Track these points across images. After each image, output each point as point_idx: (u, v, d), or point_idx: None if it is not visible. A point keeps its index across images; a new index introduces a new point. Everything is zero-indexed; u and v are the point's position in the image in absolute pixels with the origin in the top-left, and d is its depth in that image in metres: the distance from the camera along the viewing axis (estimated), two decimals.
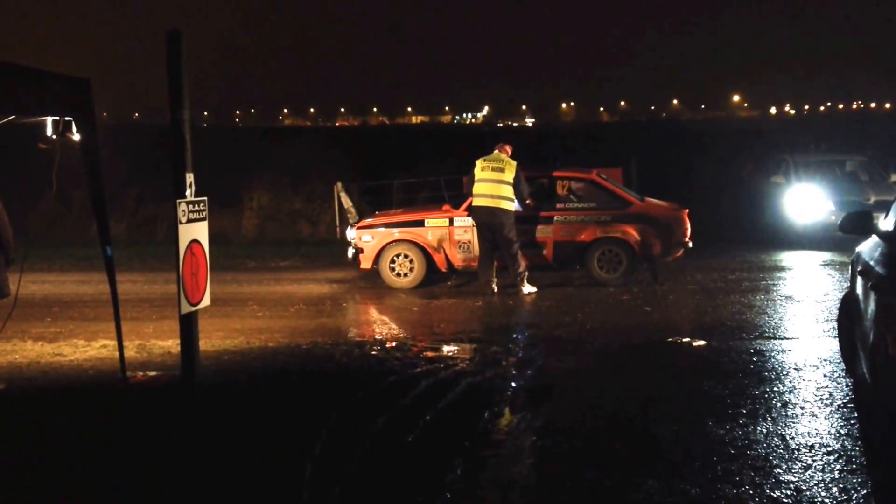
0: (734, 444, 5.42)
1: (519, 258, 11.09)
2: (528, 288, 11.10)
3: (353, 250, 11.92)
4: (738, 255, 14.25)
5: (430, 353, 7.95)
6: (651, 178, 18.08)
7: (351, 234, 12.10)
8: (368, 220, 12.18)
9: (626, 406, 6.27)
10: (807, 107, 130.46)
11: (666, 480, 4.83)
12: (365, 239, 11.81)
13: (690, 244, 11.83)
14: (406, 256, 11.76)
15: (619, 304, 10.49)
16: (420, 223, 11.83)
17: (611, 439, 5.57)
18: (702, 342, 8.27)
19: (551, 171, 12.06)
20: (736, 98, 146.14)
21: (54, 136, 6.08)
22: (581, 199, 11.76)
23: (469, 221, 11.58)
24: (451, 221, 11.77)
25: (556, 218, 11.66)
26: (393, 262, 11.76)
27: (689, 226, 11.78)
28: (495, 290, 11.15)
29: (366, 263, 11.83)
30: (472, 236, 11.64)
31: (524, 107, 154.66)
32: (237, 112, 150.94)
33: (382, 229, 11.86)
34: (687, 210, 11.94)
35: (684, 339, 8.41)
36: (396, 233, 11.80)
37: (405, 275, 11.75)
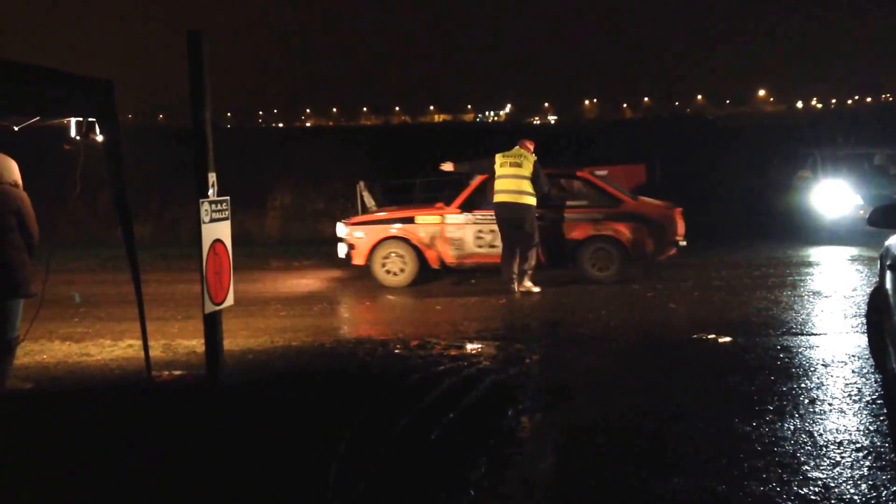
0: (761, 440, 5.37)
1: (532, 256, 11.03)
2: (529, 286, 11.00)
3: (346, 247, 11.92)
4: (764, 251, 14.14)
5: (453, 352, 7.93)
6: (676, 175, 18.00)
7: (343, 231, 12.09)
8: (361, 217, 12.20)
9: (651, 403, 6.23)
10: (834, 100, 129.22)
11: (692, 478, 4.79)
12: (357, 235, 11.82)
13: (683, 243, 11.76)
14: (398, 254, 11.76)
15: (644, 300, 10.44)
16: (411, 220, 11.83)
17: (636, 436, 5.53)
18: (727, 338, 8.20)
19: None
20: (761, 93, 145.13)
21: (78, 138, 6.13)
22: (574, 197, 11.71)
23: (461, 218, 11.64)
24: (443, 218, 11.76)
25: (547, 216, 11.61)
26: (385, 259, 11.75)
27: (681, 224, 11.71)
28: (517, 287, 11.12)
29: (358, 260, 11.85)
30: (463, 233, 11.68)
31: (546, 104, 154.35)
32: (260, 113, 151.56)
33: (374, 226, 11.86)
34: (680, 209, 11.88)
35: (709, 336, 8.34)
36: (388, 230, 11.80)
37: (397, 273, 11.75)
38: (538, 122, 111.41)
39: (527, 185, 10.96)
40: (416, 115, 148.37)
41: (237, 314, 9.23)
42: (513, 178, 10.99)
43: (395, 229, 11.82)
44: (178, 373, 7.25)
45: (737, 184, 20.27)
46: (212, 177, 6.42)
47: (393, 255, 11.77)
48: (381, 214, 12.26)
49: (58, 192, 8.80)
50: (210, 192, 6.41)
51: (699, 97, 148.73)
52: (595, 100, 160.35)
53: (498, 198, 11.09)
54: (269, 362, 7.68)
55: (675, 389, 6.58)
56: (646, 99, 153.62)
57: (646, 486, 4.72)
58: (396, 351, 7.99)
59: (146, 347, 6.55)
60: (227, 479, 4.94)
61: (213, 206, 6.46)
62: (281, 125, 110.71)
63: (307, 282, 12.60)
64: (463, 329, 9.10)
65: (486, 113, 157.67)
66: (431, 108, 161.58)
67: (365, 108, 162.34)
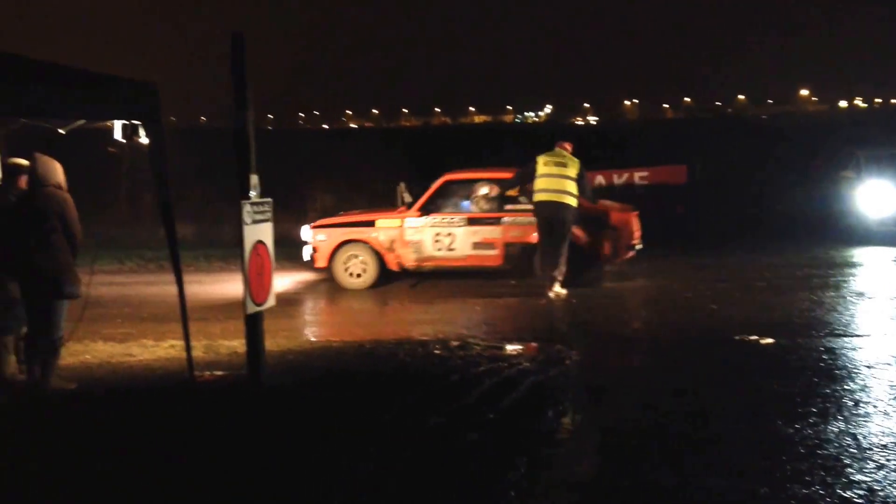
0: (804, 443, 5.31)
1: (563, 261, 10.95)
2: (558, 289, 10.95)
3: (310, 250, 12.02)
4: (806, 251, 13.97)
5: (492, 352, 7.92)
6: (717, 176, 17.87)
7: (307, 234, 12.21)
8: (324, 220, 12.33)
9: (692, 404, 6.19)
10: (878, 100, 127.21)
11: (733, 480, 4.76)
12: (319, 238, 12.01)
13: (639, 246, 11.72)
14: (359, 257, 11.87)
15: (684, 301, 10.36)
16: (371, 223, 11.92)
17: (676, 438, 5.50)
18: (770, 340, 8.12)
19: (501, 172, 12.10)
20: (804, 92, 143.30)
21: (123, 140, 6.21)
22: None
23: (420, 221, 11.80)
24: (403, 222, 11.84)
25: (504, 219, 11.72)
26: (347, 262, 11.89)
27: (637, 228, 11.70)
28: (546, 291, 11.04)
29: (320, 262, 12.04)
30: (422, 237, 11.83)
31: (587, 105, 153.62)
32: (301, 115, 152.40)
33: (335, 229, 11.98)
34: (636, 212, 11.88)
35: (751, 337, 8.26)
36: (348, 233, 11.93)
37: (358, 275, 11.88)
38: (581, 122, 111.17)
39: (570, 186, 10.93)
40: (457, 117, 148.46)
41: (277, 314, 9.28)
42: (556, 178, 10.96)
43: (356, 232, 11.95)
44: (220, 373, 7.32)
45: (779, 184, 20.06)
46: (254, 178, 6.47)
47: (354, 257, 11.90)
48: (344, 218, 12.41)
49: (101, 194, 8.93)
50: (252, 193, 6.47)
51: (741, 97, 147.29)
52: (636, 100, 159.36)
53: (539, 197, 11.06)
54: (310, 363, 7.73)
55: (716, 390, 6.53)
56: (686, 99, 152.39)
57: (686, 488, 4.70)
58: (436, 351, 8.00)
59: (188, 348, 6.62)
60: (266, 477, 4.98)
61: (255, 207, 6.52)
62: (326, 126, 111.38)
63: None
64: (502, 330, 9.10)
65: (526, 114, 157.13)
66: (472, 108, 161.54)
67: (406, 110, 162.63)
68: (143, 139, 6.29)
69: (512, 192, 11.74)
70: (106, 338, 8.88)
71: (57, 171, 6.64)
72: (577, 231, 11.37)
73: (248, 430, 5.75)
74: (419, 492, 4.77)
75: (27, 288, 6.60)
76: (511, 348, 8.15)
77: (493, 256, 11.75)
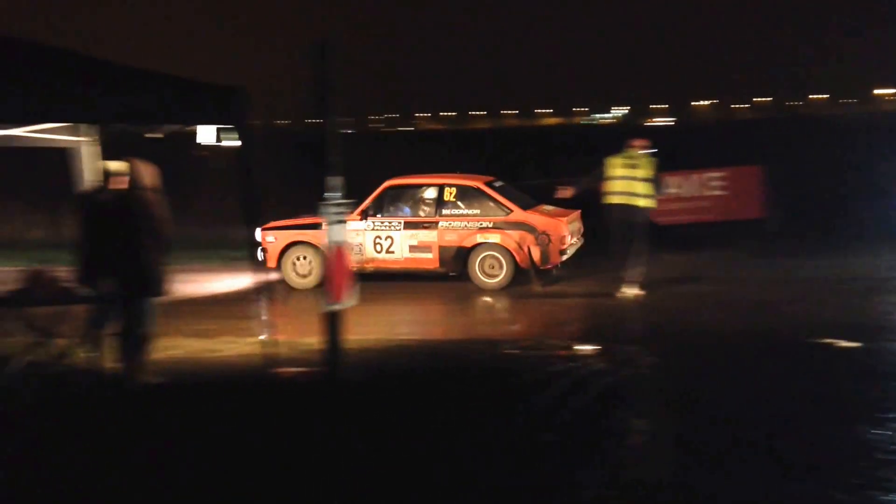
0: (885, 448, 5.27)
1: (638, 262, 10.88)
2: (632, 291, 10.91)
3: (261, 251, 12.37)
4: (884, 254, 13.66)
5: (563, 353, 7.98)
6: (792, 175, 17.57)
7: (259, 236, 12.47)
8: (274, 223, 12.58)
9: (769, 408, 6.17)
10: None
11: (812, 484, 4.76)
12: (269, 240, 12.40)
13: (569, 252, 11.83)
14: (306, 258, 12.23)
15: (758, 303, 10.24)
16: (317, 226, 12.09)
17: (752, 442, 5.50)
18: (848, 343, 8.02)
19: (440, 178, 12.37)
20: (880, 91, 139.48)
21: (218, 144, 6.45)
22: (467, 206, 12.00)
23: (361, 225, 12.15)
24: (346, 225, 12.01)
25: (440, 223, 11.97)
26: (295, 262, 12.26)
27: (567, 234, 11.72)
28: (618, 292, 10.99)
29: (270, 263, 12.37)
30: (363, 239, 12.17)
31: (661, 106, 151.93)
32: (375, 117, 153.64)
33: (284, 231, 12.36)
34: (567, 217, 11.96)
35: (830, 340, 8.17)
36: (296, 235, 12.28)
37: (305, 275, 12.26)
38: (656, 123, 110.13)
39: (640, 187, 10.87)
40: (529, 119, 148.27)
41: (354, 312, 9.44)
42: (626, 180, 10.91)
43: (302, 234, 12.26)
44: (299, 369, 7.50)
45: (854, 184, 19.64)
46: (336, 180, 6.65)
47: (302, 258, 12.26)
48: (292, 220, 12.70)
49: (187, 194, 9.19)
50: (333, 195, 6.65)
51: (814, 96, 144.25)
52: (711, 101, 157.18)
53: (610, 199, 11.02)
54: (385, 360, 7.88)
55: (793, 394, 6.49)
56: (757, 98, 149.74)
57: (764, 492, 4.71)
58: (507, 351, 8.09)
59: (269, 344, 6.81)
60: (343, 472, 5.13)
61: (335, 209, 6.70)
62: (403, 129, 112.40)
63: (421, 281, 12.76)
64: (574, 330, 9.15)
65: (596, 116, 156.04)
66: (548, 110, 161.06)
67: (479, 113, 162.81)
68: (227, 142, 6.52)
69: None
70: (191, 334, 9.15)
71: (150, 174, 6.89)
72: (507, 235, 11.67)
73: (326, 425, 5.92)
74: (493, 489, 4.87)
75: (120, 286, 6.86)
76: (582, 349, 8.19)
77: (429, 260, 12.07)
